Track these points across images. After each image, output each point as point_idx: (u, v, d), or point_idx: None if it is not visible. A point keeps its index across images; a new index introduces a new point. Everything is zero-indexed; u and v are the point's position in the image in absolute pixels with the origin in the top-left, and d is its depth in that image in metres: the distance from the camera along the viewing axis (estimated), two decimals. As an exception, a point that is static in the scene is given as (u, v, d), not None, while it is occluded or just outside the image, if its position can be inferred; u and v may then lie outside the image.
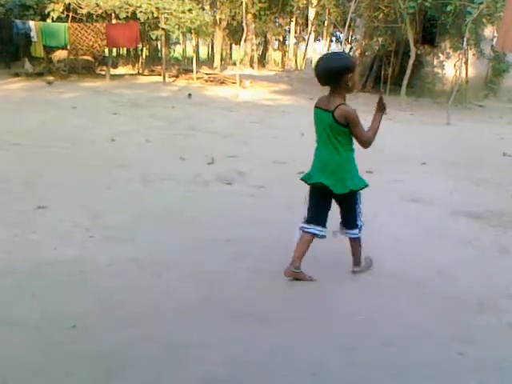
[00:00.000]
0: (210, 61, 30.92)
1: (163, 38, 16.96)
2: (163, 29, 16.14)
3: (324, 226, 3.00)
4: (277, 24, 30.46)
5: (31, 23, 15.15)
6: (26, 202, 4.10)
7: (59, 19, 15.74)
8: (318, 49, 33.81)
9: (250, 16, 24.59)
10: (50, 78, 15.15)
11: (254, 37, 28.01)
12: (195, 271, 3.06)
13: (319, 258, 3.37)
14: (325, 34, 31.59)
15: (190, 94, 12.80)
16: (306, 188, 3.03)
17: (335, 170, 2.88)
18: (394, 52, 17.01)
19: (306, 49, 29.15)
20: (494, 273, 3.28)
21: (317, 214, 2.99)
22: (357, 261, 3.16)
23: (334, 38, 34.27)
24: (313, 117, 2.92)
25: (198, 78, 17.61)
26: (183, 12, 15.96)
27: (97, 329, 2.39)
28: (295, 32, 31.34)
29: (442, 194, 5.08)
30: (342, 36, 22.56)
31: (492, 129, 10.47)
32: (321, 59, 2.88)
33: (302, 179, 3.05)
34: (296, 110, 11.73)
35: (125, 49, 24.19)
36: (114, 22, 16.13)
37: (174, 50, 32.54)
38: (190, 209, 4.22)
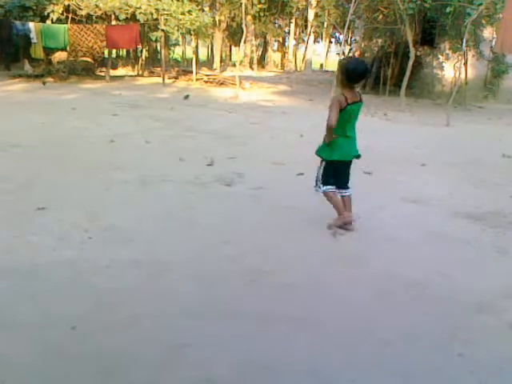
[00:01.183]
0: (209, 62, 30.98)
1: (163, 39, 16.97)
2: (163, 30, 16.15)
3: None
4: (276, 25, 30.51)
5: (31, 24, 15.16)
6: (25, 203, 4.10)
7: (59, 20, 15.76)
8: (317, 50, 33.88)
9: (249, 17, 24.62)
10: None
11: (253, 38, 28.05)
12: (194, 272, 3.06)
13: (319, 257, 3.38)
14: (324, 35, 31.71)
15: (187, 96, 12.77)
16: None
17: (356, 142, 3.84)
18: (394, 53, 17.03)
19: (305, 50, 29.23)
20: (494, 273, 3.28)
21: (346, 180, 3.91)
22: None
23: (333, 40, 34.40)
24: (344, 111, 3.57)
25: (197, 80, 17.63)
26: (183, 13, 15.98)
27: (96, 330, 2.39)
28: (295, 33, 31.38)
29: (442, 194, 5.08)
30: (341, 37, 22.60)
31: (491, 130, 10.48)
32: (359, 62, 3.81)
33: (344, 159, 3.78)
34: (295, 111, 11.74)
35: (124, 50, 24.25)
36: (113, 23, 16.14)
37: (174, 52, 32.58)
38: (189, 210, 4.22)
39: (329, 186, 3.82)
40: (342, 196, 3.89)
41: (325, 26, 26.16)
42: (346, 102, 3.56)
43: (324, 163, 3.82)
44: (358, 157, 3.84)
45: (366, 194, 4.96)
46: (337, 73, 3.66)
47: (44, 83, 14.51)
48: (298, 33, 32.39)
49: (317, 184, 3.88)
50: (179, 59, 32.02)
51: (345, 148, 3.76)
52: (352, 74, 3.58)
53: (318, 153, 3.84)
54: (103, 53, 16.70)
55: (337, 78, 3.69)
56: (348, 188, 3.91)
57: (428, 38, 16.66)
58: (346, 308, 2.74)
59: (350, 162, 3.87)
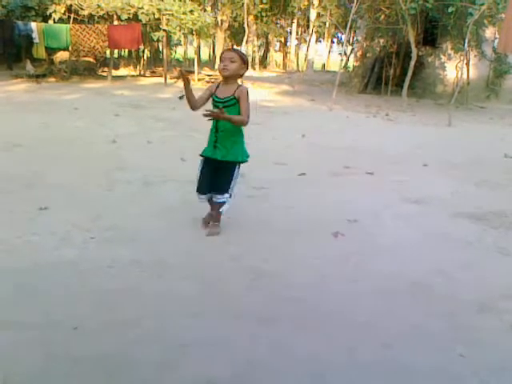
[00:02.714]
0: (211, 62, 31.00)
1: (164, 39, 17.00)
2: (165, 30, 16.17)
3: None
4: (278, 25, 30.53)
5: (33, 24, 15.20)
6: (27, 203, 4.10)
7: (61, 20, 15.80)
8: (319, 50, 33.86)
9: (251, 17, 24.64)
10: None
11: (255, 38, 28.07)
12: (196, 272, 3.06)
13: (320, 257, 3.38)
14: (326, 35, 31.73)
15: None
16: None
17: None
18: (396, 53, 17.03)
19: (307, 50, 29.21)
20: (496, 274, 3.27)
21: None
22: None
23: (335, 40, 34.42)
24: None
25: (199, 80, 17.64)
26: (184, 13, 16.00)
27: (98, 330, 2.39)
28: (297, 33, 31.40)
29: (444, 195, 5.07)
30: (343, 37, 22.59)
31: (493, 130, 10.47)
32: None
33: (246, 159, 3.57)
34: (297, 111, 11.74)
35: (126, 50, 24.27)
36: (115, 23, 16.17)
37: (176, 52, 32.61)
38: (190, 210, 4.22)
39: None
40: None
41: (327, 25, 26.19)
42: None
43: (238, 167, 3.56)
44: None
45: (368, 194, 4.96)
46: (238, 63, 3.33)
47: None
48: (299, 33, 32.39)
49: (231, 192, 3.59)
50: (181, 59, 32.07)
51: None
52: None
53: (246, 158, 3.54)
54: (105, 53, 16.74)
55: (237, 68, 3.35)
56: None
57: (430, 38, 16.68)
58: (347, 308, 2.74)
59: None
